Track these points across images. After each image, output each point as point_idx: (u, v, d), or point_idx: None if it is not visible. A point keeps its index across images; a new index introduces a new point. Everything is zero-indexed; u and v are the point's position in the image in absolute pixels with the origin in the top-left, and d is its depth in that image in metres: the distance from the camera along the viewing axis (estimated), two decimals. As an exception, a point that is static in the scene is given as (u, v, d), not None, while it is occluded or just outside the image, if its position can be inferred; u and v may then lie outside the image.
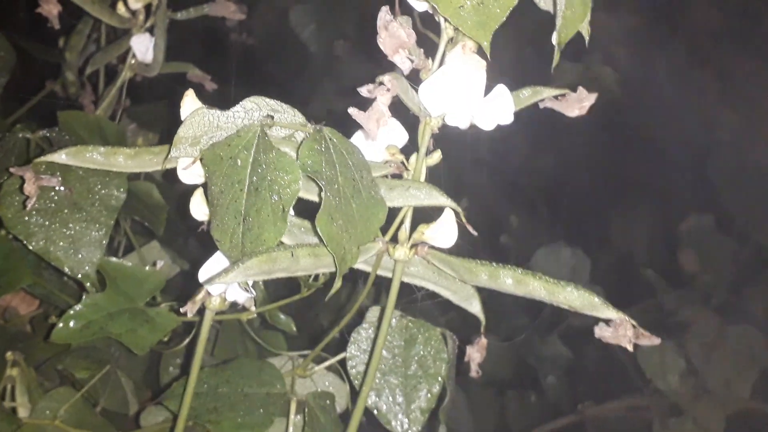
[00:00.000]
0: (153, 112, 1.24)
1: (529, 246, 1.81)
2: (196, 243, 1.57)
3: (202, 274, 0.63)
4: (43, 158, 0.66)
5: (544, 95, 0.61)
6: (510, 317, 1.61)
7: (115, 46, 1.02)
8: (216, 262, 0.63)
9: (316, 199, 0.60)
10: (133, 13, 0.99)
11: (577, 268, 1.77)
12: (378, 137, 0.56)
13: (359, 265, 0.64)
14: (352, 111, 0.53)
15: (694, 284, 1.83)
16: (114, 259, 0.82)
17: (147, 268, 0.82)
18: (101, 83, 1.18)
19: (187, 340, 0.85)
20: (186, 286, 1.11)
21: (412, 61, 0.54)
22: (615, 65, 1.98)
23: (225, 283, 0.53)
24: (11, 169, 0.66)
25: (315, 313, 1.31)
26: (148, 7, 0.99)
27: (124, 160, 0.66)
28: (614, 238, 1.97)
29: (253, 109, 0.58)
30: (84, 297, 0.77)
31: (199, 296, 0.66)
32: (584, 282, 1.76)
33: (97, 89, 1.19)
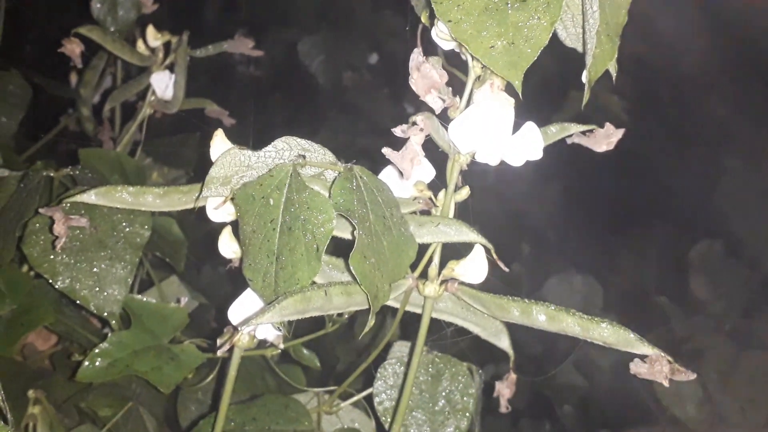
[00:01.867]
0: (169, 146, 1.24)
1: (541, 274, 1.81)
2: (211, 272, 1.57)
3: (232, 314, 0.63)
4: (73, 198, 0.66)
5: (572, 131, 0.62)
6: (523, 346, 1.60)
7: (135, 83, 1.03)
8: (246, 301, 0.63)
9: (345, 236, 0.61)
10: (153, 50, 1.00)
11: (590, 296, 1.77)
12: (412, 176, 0.56)
13: (388, 302, 0.64)
14: (387, 151, 0.54)
15: (707, 311, 1.82)
16: (138, 296, 0.82)
17: (171, 305, 0.82)
18: (117, 118, 1.19)
19: (211, 376, 0.85)
20: (198, 317, 1.11)
21: (443, 101, 0.54)
22: (622, 93, 1.99)
23: (260, 324, 0.53)
24: (41, 210, 0.66)
25: (330, 349, 1.30)
26: (167, 45, 1.00)
27: (153, 200, 0.66)
28: (625, 265, 1.96)
29: (284, 148, 0.59)
30: (109, 335, 0.77)
31: (228, 335, 0.66)
32: (597, 310, 1.76)
33: (113, 124, 1.21)
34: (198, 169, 1.36)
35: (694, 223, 1.91)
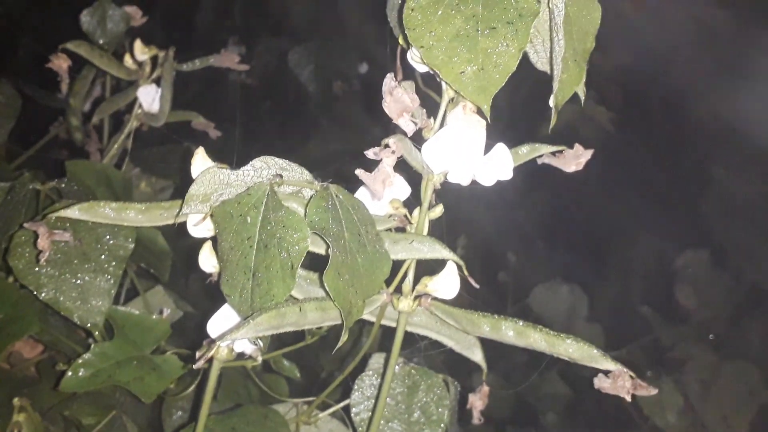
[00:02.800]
0: (156, 156, 1.26)
1: (528, 283, 1.82)
2: (198, 281, 1.58)
3: (211, 328, 0.65)
4: (56, 214, 0.68)
5: (542, 152, 0.64)
6: (509, 355, 1.62)
7: (122, 95, 1.04)
8: (224, 315, 0.65)
9: (322, 252, 0.62)
10: (140, 64, 1.01)
11: (575, 304, 1.79)
12: (383, 197, 0.58)
13: (364, 316, 0.66)
14: (360, 173, 0.56)
15: (691, 320, 1.84)
16: (122, 308, 0.83)
17: (154, 316, 0.84)
18: (105, 129, 1.21)
19: (192, 387, 0.86)
20: (184, 325, 1.12)
21: (415, 124, 0.56)
22: (608, 104, 2.01)
23: (236, 339, 0.55)
24: (26, 225, 0.68)
25: (315, 357, 1.32)
26: (154, 59, 1.01)
27: (135, 215, 0.68)
28: (611, 274, 1.98)
29: (262, 167, 0.61)
30: (92, 346, 0.79)
31: (206, 348, 0.67)
32: (582, 319, 1.77)
33: (101, 135, 1.22)
34: (185, 178, 1.38)
35: (680, 233, 1.93)
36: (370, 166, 0.59)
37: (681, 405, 1.56)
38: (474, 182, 0.61)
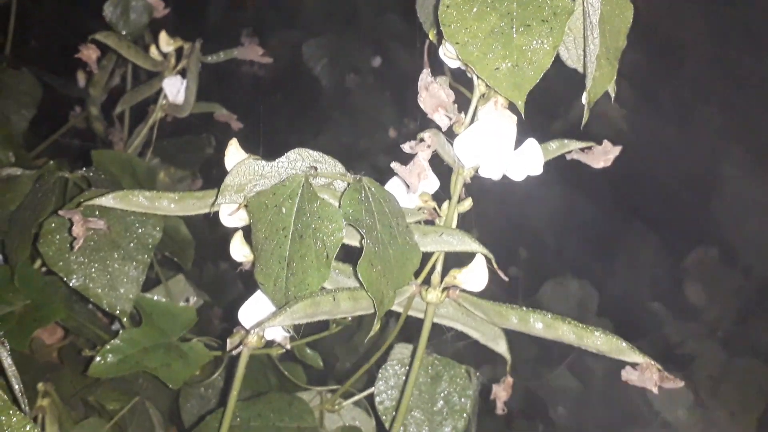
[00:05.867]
0: (176, 147, 1.27)
1: (538, 278, 1.84)
2: (213, 271, 1.60)
3: (243, 315, 0.66)
4: (92, 201, 0.69)
5: (571, 147, 0.65)
6: (518, 348, 1.63)
7: (146, 87, 1.05)
8: (255, 303, 0.66)
9: (354, 243, 0.64)
10: (165, 56, 1.02)
11: (585, 300, 1.80)
12: (418, 189, 0.59)
13: (393, 307, 0.67)
14: (395, 166, 0.57)
15: (700, 317, 1.85)
16: (149, 295, 0.85)
17: (181, 304, 0.85)
18: (126, 119, 1.22)
19: (217, 372, 0.87)
20: (202, 314, 1.14)
21: (450, 119, 0.57)
22: (621, 101, 2.01)
23: (272, 326, 0.56)
24: (61, 212, 0.69)
25: (330, 347, 1.33)
26: (179, 51, 1.02)
27: (168, 204, 0.69)
28: (621, 271, 1.99)
29: (296, 159, 0.62)
30: (121, 332, 0.80)
31: (238, 335, 0.68)
32: (592, 314, 1.79)
33: (122, 125, 1.23)
34: (203, 169, 1.39)
35: (690, 230, 1.93)
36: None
37: (691, 401, 1.58)
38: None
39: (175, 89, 1.02)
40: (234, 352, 0.63)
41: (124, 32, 1.09)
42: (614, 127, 1.93)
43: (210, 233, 1.34)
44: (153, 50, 1.01)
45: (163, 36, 1.01)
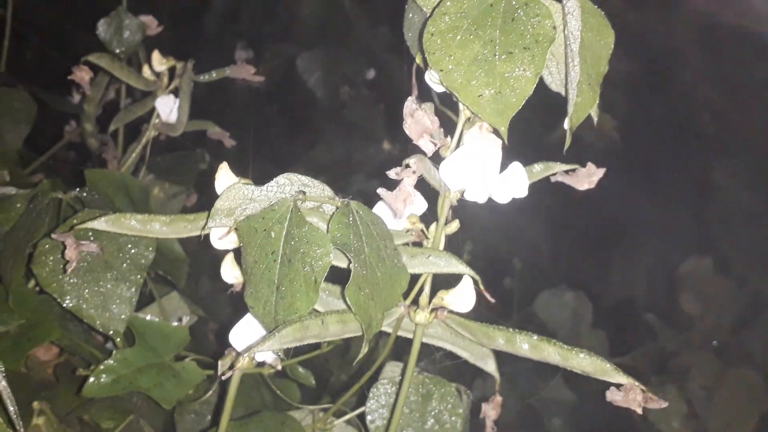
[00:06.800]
0: (170, 163, 1.28)
1: (533, 289, 1.84)
2: (208, 285, 1.60)
3: (234, 338, 0.67)
4: (83, 225, 0.70)
5: (556, 170, 0.66)
6: (513, 362, 1.63)
7: (139, 105, 1.06)
8: (247, 325, 0.67)
9: (342, 265, 0.64)
10: (158, 75, 1.03)
11: (580, 311, 1.80)
12: (404, 215, 0.60)
13: (382, 328, 0.68)
14: (381, 191, 0.58)
15: (695, 327, 1.86)
16: (142, 315, 0.85)
17: (174, 324, 0.86)
18: (120, 137, 1.23)
19: (210, 392, 0.88)
20: (197, 330, 1.14)
21: (435, 144, 0.58)
22: (613, 112, 2.03)
23: (261, 351, 0.57)
24: (53, 236, 0.70)
25: (324, 364, 1.34)
26: (171, 70, 1.03)
27: (160, 227, 0.70)
28: (615, 281, 2.00)
29: (285, 183, 0.63)
30: (114, 352, 0.81)
31: (229, 357, 0.69)
32: (587, 325, 1.79)
33: (116, 143, 1.24)
34: (197, 184, 1.40)
35: (684, 240, 1.94)
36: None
37: (685, 411, 1.58)
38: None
39: (168, 108, 1.02)
40: (224, 377, 0.63)
41: (117, 50, 1.10)
42: (607, 137, 1.94)
43: (206, 248, 1.34)
44: (146, 70, 1.02)
45: (155, 56, 1.02)
